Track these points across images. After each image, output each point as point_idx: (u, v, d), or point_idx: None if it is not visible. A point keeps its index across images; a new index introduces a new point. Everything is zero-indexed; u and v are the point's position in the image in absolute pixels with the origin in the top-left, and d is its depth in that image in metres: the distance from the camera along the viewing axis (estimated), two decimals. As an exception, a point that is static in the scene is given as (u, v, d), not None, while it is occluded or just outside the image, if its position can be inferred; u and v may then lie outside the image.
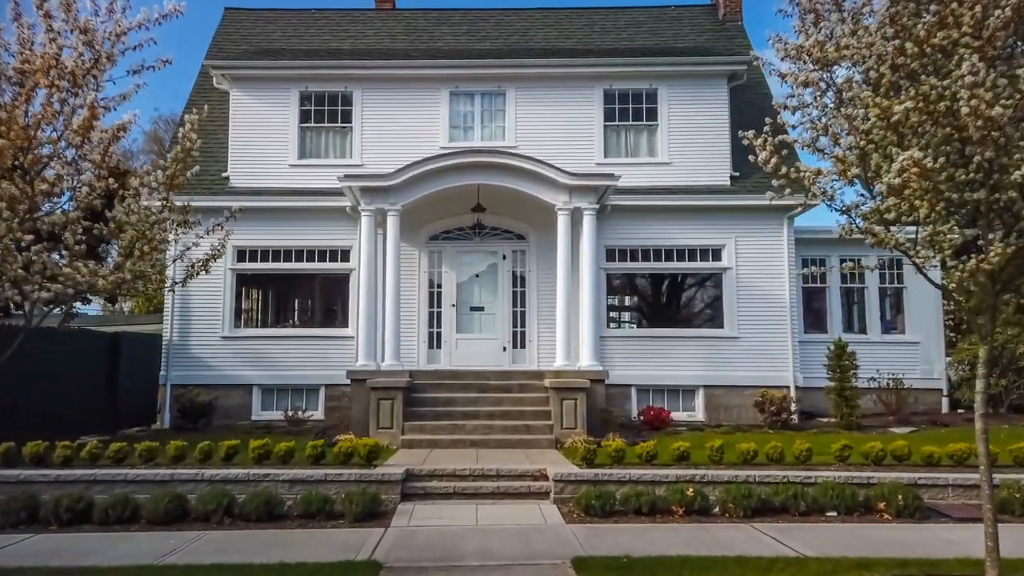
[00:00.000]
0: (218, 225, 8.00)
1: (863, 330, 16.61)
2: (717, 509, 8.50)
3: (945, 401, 16.25)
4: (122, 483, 9.04)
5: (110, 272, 6.63)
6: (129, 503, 8.45)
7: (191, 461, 9.69)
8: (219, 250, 8.21)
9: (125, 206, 6.92)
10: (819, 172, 5.23)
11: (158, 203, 7.28)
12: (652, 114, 16.06)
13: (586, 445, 10.08)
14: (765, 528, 7.85)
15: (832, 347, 14.54)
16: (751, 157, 5.70)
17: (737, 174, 15.90)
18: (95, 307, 40.67)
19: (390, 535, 7.68)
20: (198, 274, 8.08)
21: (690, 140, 15.90)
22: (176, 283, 8.30)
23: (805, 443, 9.62)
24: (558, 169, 13.72)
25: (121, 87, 6.38)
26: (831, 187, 5.38)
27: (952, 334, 19.66)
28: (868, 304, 16.65)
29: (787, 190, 5.59)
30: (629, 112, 16.12)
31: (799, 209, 15.39)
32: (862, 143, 4.91)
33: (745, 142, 5.61)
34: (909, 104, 4.54)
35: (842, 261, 16.37)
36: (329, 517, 8.43)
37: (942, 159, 4.60)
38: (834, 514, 8.38)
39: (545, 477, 9.49)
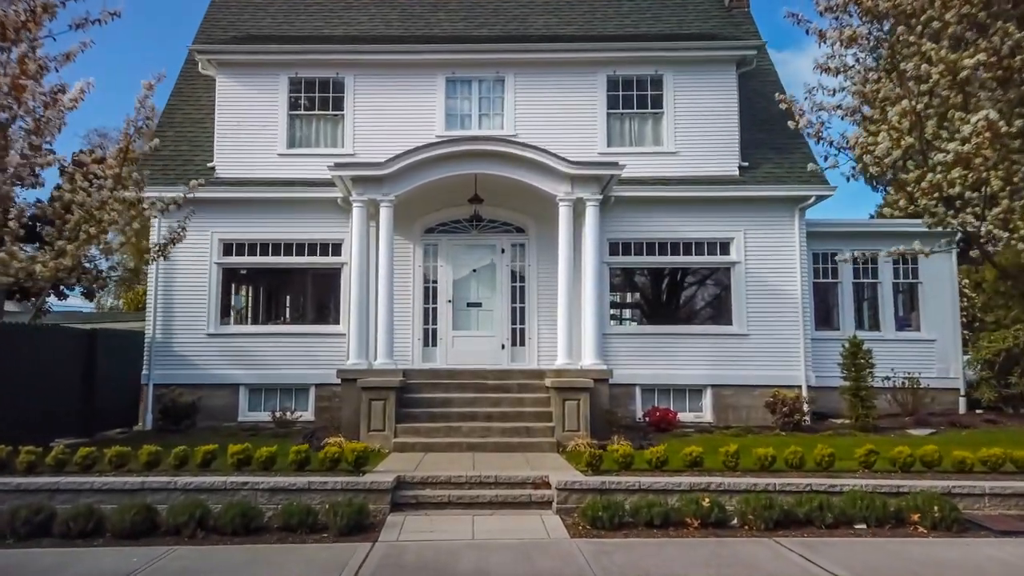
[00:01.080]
0: (174, 202, 7.26)
1: (876, 327, 15.92)
2: (735, 521, 7.80)
3: (962, 401, 15.57)
4: (88, 492, 8.35)
5: (51, 258, 5.91)
6: (93, 514, 7.74)
7: (165, 467, 8.99)
8: (178, 233, 7.47)
9: (72, 183, 6.20)
10: (867, 147, 4.52)
11: (110, 182, 6.55)
12: (657, 101, 15.35)
13: (591, 449, 9.42)
14: (790, 543, 7.14)
15: (847, 345, 13.86)
16: (790, 124, 4.99)
17: (746, 164, 15.23)
18: (90, 305, 40.01)
19: (377, 552, 6.98)
20: (155, 259, 7.38)
21: (697, 129, 15.20)
22: (127, 269, 7.57)
23: (827, 447, 8.93)
24: (559, 158, 13.02)
25: (64, 45, 5.67)
26: (890, 157, 4.66)
27: (964, 332, 18.99)
28: (882, 300, 15.95)
29: (831, 158, 4.89)
30: (633, 99, 15.41)
31: (812, 200, 14.75)
32: (918, 107, 4.22)
33: (783, 106, 4.92)
34: (981, 57, 3.86)
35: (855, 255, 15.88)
36: (312, 530, 7.72)
37: (1019, 122, 3.92)
38: (863, 526, 7.69)
39: (547, 485, 8.80)
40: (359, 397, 11.99)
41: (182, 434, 13.13)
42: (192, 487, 8.33)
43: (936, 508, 7.54)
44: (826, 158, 5.19)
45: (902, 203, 5.08)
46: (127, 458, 9.02)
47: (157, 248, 7.48)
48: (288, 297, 16.07)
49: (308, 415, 14.62)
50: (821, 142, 4.80)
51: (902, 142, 4.44)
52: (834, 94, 4.86)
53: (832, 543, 7.18)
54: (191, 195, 14.64)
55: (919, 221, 17.82)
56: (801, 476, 8.54)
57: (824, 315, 16.03)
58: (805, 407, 13.69)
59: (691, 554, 6.81)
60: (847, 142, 4.76)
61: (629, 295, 15.92)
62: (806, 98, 4.83)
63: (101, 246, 6.65)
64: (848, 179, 6.19)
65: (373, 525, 7.89)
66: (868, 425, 13.26)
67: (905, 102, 4.31)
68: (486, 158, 13.20)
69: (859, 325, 15.88)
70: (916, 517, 7.65)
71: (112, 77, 62.94)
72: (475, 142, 13.47)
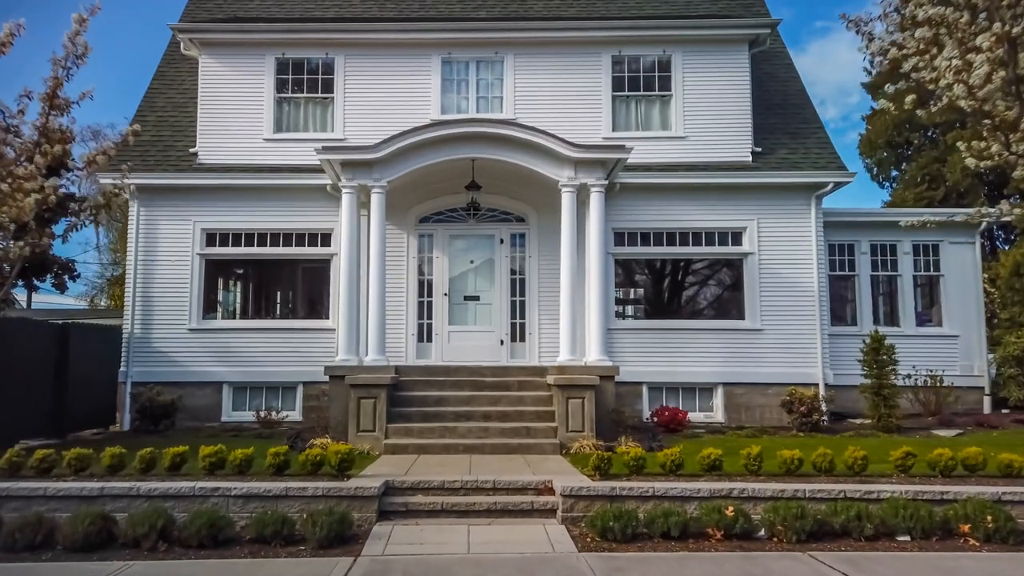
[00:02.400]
0: (103, 153, 6.41)
1: (895, 322, 15.09)
2: (763, 532, 6.97)
3: (987, 400, 14.77)
4: (41, 499, 7.50)
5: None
6: (43, 524, 6.90)
7: (131, 471, 8.16)
8: (116, 192, 6.63)
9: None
10: (959, 73, 3.68)
11: (35, 135, 5.72)
12: (665, 83, 14.53)
13: (598, 452, 8.59)
14: (827, 558, 6.31)
15: (867, 340, 13.04)
16: (858, 49, 4.18)
17: (759, 150, 14.41)
18: (82, 303, 39.07)
19: (359, 568, 6.14)
20: (85, 225, 6.55)
21: (707, 112, 14.37)
22: (53, 236, 6.72)
23: (858, 449, 8.10)
24: (562, 140, 12.21)
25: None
26: (986, 89, 3.83)
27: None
28: (902, 294, 15.12)
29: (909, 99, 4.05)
30: (640, 81, 14.58)
31: (829, 186, 13.94)
32: (1013, 31, 3.41)
33: (850, 27, 4.11)
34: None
35: (872, 247, 15.11)
36: (287, 542, 6.87)
37: None
38: (907, 538, 6.86)
39: (551, 491, 7.97)
40: (348, 396, 11.17)
41: (160, 435, 12.33)
42: (157, 493, 7.50)
43: (989, 518, 6.71)
44: (899, 95, 4.35)
45: (994, 148, 4.24)
46: (88, 461, 8.19)
47: (91, 208, 6.64)
48: (275, 290, 15.22)
49: (295, 415, 13.80)
50: (897, 72, 4.04)
51: (994, 76, 3.66)
52: (902, 20, 4.07)
53: (875, 558, 6.33)
54: (176, 181, 13.96)
55: (941, 210, 17.22)
56: (832, 481, 7.71)
57: (840, 310, 15.24)
58: (823, 406, 12.87)
59: (717, 572, 5.97)
60: (934, 71, 3.94)
61: (635, 288, 15.08)
62: (877, 20, 4.02)
63: (15, 209, 5.81)
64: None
65: (356, 536, 7.06)
66: (891, 426, 12.44)
67: (997, 25, 3.53)
68: (484, 141, 12.39)
69: (876, 320, 15.07)
70: (966, 528, 6.82)
71: (100, 68, 62.14)
72: (472, 124, 12.66)
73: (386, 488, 7.89)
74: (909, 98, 4.33)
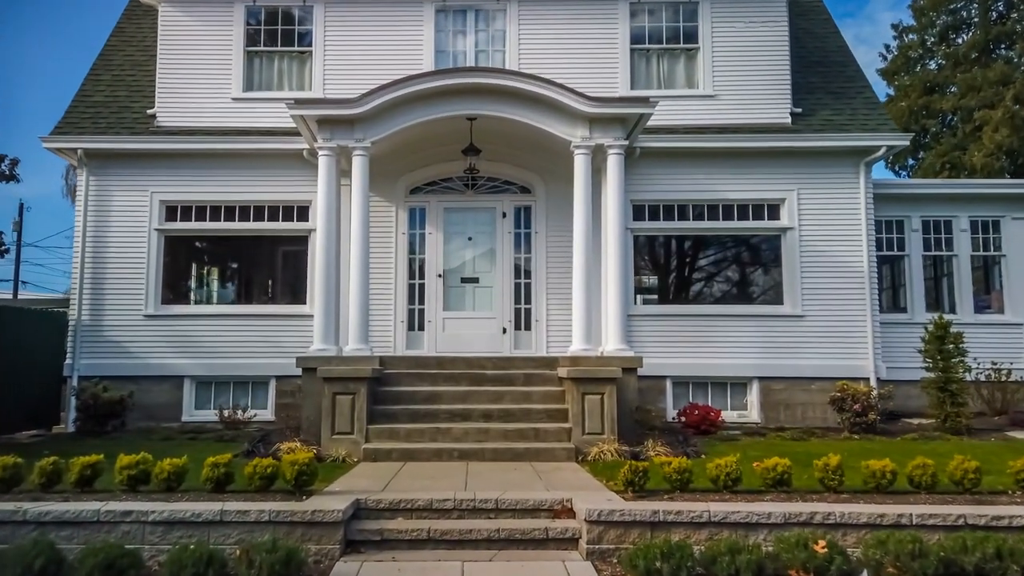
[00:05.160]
0: None
1: (950, 308, 13.25)
2: (865, 575, 5.14)
3: (1057, 398, 12.93)
4: None
5: None
6: None
7: (29, 487, 6.35)
8: None
9: None
10: None
11: None
12: (691, 35, 12.69)
13: (629, 462, 6.75)
14: (971, 618, 4.51)
15: (929, 328, 11.22)
16: None
17: (799, 110, 12.59)
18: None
19: (304, 635, 4.33)
20: None
21: (740, 68, 12.53)
22: None
23: (969, 459, 6.27)
24: (575, 93, 10.39)
25: None
26: None
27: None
28: (958, 276, 13.26)
29: None
30: (663, 33, 12.74)
31: (881, 151, 12.15)
32: None
33: None
34: None
35: (925, 224, 13.32)
36: (215, 589, 5.06)
37: None
38: (1065, 584, 5.05)
39: (570, 512, 6.15)
40: (322, 391, 9.37)
41: (107, 437, 10.53)
42: (50, 519, 5.65)
43: None
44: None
45: None
46: (-25, 475, 6.37)
47: None
48: (245, 271, 13.36)
49: (267, 414, 11.99)
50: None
51: None
52: None
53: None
54: (131, 146, 12.22)
55: (1002, 181, 15.42)
56: (940, 502, 5.89)
57: (887, 294, 13.44)
58: (879, 404, 11.05)
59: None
60: None
61: (657, 269, 13.24)
62: None
63: None
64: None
65: (311, 579, 5.25)
66: (959, 427, 10.63)
67: None
68: (485, 95, 10.58)
69: (929, 306, 13.22)
70: None
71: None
72: (472, 74, 10.84)
73: (356, 510, 6.06)
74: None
